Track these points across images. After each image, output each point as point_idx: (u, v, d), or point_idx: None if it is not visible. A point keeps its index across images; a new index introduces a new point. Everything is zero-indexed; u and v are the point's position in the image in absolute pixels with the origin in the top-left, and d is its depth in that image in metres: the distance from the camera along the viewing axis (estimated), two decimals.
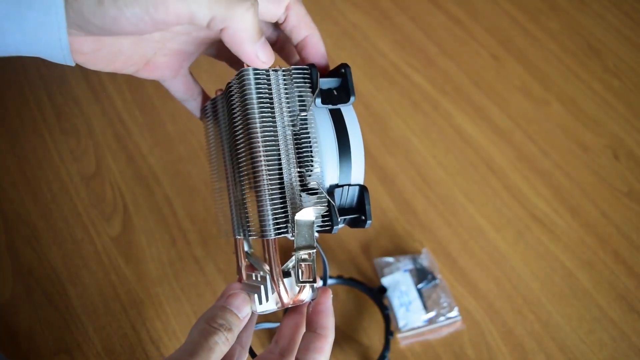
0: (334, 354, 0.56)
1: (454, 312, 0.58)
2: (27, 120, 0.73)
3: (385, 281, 0.59)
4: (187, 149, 0.70)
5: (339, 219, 0.36)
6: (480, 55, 0.79)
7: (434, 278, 0.60)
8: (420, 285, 0.59)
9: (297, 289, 0.37)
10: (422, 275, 0.60)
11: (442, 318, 0.58)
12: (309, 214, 0.34)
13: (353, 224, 0.37)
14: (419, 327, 0.57)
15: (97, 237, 0.64)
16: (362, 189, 0.37)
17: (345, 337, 0.57)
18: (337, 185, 0.36)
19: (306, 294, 0.37)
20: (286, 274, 0.37)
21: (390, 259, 0.61)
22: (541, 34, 0.81)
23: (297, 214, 0.34)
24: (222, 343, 0.34)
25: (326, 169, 0.35)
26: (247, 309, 0.36)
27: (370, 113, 0.73)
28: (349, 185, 0.36)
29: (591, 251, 0.62)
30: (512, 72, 0.77)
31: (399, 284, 0.59)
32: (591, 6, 0.84)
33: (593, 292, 0.60)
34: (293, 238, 0.35)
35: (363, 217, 0.36)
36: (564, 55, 0.79)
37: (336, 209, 0.35)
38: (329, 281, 0.59)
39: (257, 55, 0.33)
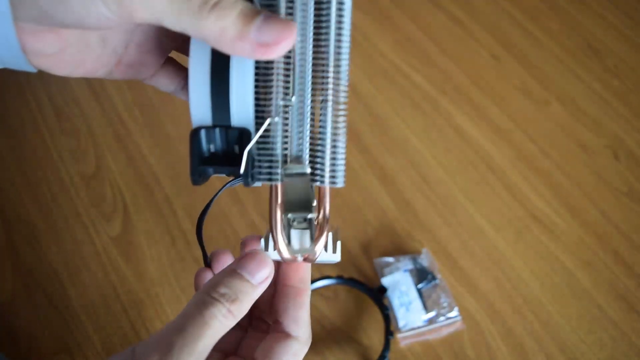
0: (334, 353, 0.56)
1: (454, 312, 0.58)
2: (27, 120, 0.73)
3: (385, 281, 0.59)
4: (187, 148, 0.70)
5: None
6: (480, 55, 0.79)
7: (434, 278, 0.60)
8: (420, 285, 0.59)
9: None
10: (422, 275, 0.60)
11: (442, 318, 0.58)
12: None
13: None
14: (419, 327, 0.57)
15: (97, 237, 0.64)
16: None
17: (345, 337, 0.58)
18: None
19: None
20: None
21: (390, 259, 0.61)
22: (541, 34, 0.81)
23: None
24: (222, 317, 0.27)
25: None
26: (263, 273, 0.29)
27: (370, 113, 0.73)
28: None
29: (591, 251, 0.62)
30: (512, 72, 0.77)
31: (399, 284, 0.59)
32: (591, 6, 0.84)
33: (593, 292, 0.60)
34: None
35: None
36: (564, 55, 0.79)
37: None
38: (329, 281, 0.59)
39: (258, 41, 0.24)
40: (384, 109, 0.74)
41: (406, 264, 0.60)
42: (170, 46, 0.34)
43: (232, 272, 0.29)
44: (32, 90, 0.76)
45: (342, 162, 0.31)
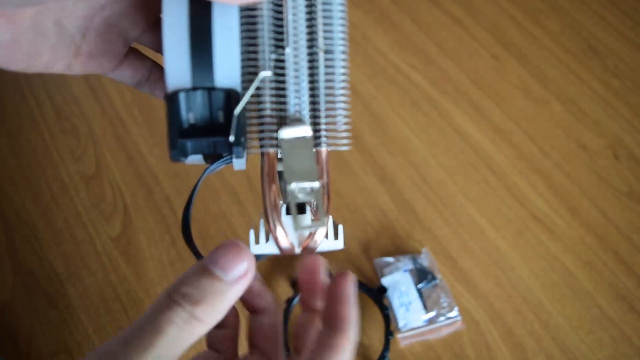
0: None
1: (454, 312, 0.58)
2: (27, 120, 0.73)
3: (385, 281, 0.59)
4: None
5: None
6: (480, 55, 0.79)
7: (434, 278, 0.60)
8: (420, 285, 0.59)
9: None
10: (422, 275, 0.60)
11: (442, 318, 0.58)
12: None
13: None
14: (419, 327, 0.57)
15: (97, 237, 0.64)
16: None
17: None
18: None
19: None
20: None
21: (390, 259, 0.61)
22: (541, 34, 0.81)
23: None
24: (183, 322, 0.23)
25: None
26: (240, 268, 0.24)
27: (370, 113, 0.73)
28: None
29: (591, 251, 0.62)
30: (512, 72, 0.77)
31: (399, 284, 0.59)
32: (591, 6, 0.84)
33: (593, 292, 0.60)
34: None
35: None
36: (564, 55, 0.79)
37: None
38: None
39: None
40: (384, 109, 0.74)
41: (406, 264, 0.60)
42: (132, 35, 0.31)
43: (201, 268, 0.24)
44: (31, 90, 0.76)
45: (343, 119, 0.27)
